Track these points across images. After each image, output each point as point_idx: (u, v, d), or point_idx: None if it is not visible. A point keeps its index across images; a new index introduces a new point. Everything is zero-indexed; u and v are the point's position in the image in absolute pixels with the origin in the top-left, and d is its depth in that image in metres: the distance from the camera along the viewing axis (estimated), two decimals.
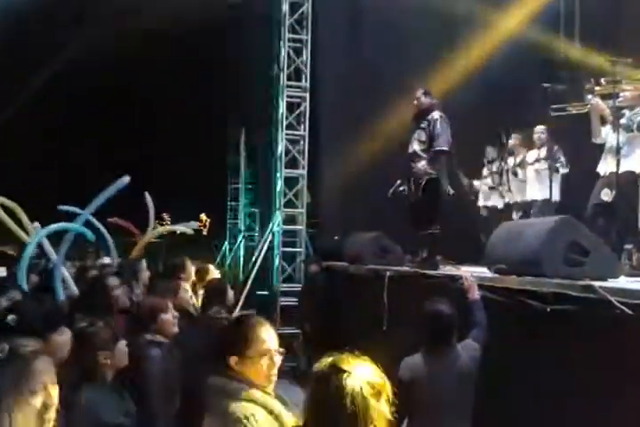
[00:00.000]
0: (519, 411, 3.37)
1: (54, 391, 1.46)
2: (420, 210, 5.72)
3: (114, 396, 2.46)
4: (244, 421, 1.76)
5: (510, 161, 7.09)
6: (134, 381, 2.67)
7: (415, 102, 5.67)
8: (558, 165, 6.21)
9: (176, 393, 3.00)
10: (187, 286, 4.13)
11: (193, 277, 4.80)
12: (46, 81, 10.52)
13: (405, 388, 2.87)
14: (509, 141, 7.02)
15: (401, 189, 7.71)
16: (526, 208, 6.63)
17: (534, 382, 3.24)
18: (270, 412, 1.83)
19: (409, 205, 6.09)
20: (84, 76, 10.74)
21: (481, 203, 7.72)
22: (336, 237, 8.30)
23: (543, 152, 6.27)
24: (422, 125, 5.54)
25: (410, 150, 5.74)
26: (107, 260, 5.49)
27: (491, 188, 7.55)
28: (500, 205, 7.40)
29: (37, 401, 1.40)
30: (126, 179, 5.13)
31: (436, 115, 5.46)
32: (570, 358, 3.03)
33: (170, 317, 3.21)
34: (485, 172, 7.67)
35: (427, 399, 2.94)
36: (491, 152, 7.50)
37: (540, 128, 6.29)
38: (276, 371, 1.96)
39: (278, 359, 1.96)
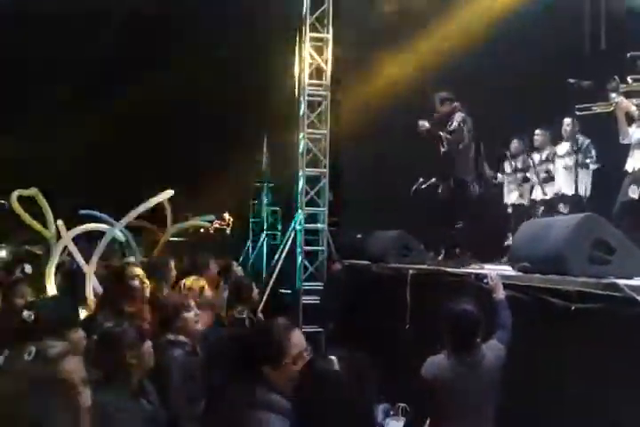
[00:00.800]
0: (543, 410, 3.34)
1: (86, 391, 1.46)
2: (448, 209, 5.86)
3: (134, 399, 2.45)
4: None
5: (536, 157, 6.99)
6: (156, 382, 2.70)
7: (435, 112, 5.81)
8: (588, 160, 6.11)
9: (200, 394, 3.01)
10: (208, 285, 4.15)
11: (216, 277, 4.84)
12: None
13: (429, 386, 2.87)
14: (535, 137, 6.92)
15: (424, 186, 7.73)
16: (555, 203, 6.51)
17: (558, 382, 3.22)
18: (282, 412, 1.84)
19: (438, 205, 6.15)
20: (111, 75, 10.87)
21: (507, 200, 7.63)
22: (359, 236, 8.31)
23: (571, 146, 6.18)
24: (447, 129, 5.67)
25: (441, 152, 5.83)
26: (131, 259, 5.57)
27: (518, 184, 7.46)
28: (525, 202, 7.31)
29: (70, 402, 1.41)
30: (170, 192, 5.21)
31: (458, 119, 5.60)
32: (594, 357, 2.99)
33: (192, 315, 3.21)
34: (508, 167, 7.57)
35: (451, 399, 2.93)
36: (516, 146, 7.39)
37: (567, 120, 6.19)
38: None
39: (307, 358, 1.97)
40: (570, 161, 6.09)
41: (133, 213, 4.95)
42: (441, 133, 5.72)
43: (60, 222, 4.91)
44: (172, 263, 4.51)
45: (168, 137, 12.09)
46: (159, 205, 6.09)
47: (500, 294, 3.42)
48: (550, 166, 6.78)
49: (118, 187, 10.68)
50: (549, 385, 3.28)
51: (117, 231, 4.98)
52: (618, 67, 4.56)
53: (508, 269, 4.20)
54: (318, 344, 7.82)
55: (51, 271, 4.58)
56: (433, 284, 5.04)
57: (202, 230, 11.47)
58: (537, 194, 6.98)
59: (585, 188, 6.09)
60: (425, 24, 8.06)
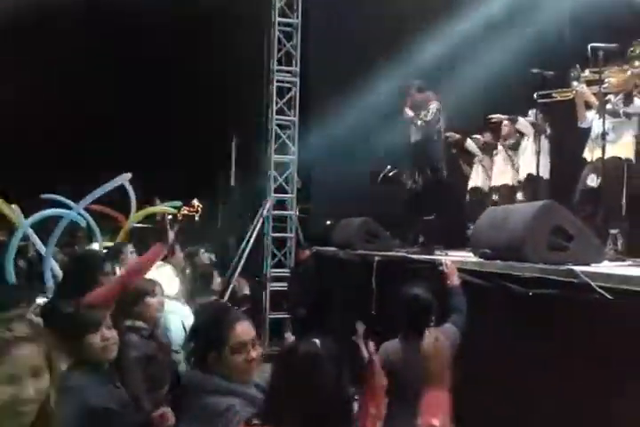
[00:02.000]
0: (502, 394, 3.42)
1: (45, 377, 1.40)
2: (422, 198, 5.86)
3: (104, 381, 2.43)
4: (225, 413, 1.78)
5: (503, 145, 7.05)
6: (114, 367, 2.67)
7: (409, 98, 5.80)
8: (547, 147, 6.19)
9: (162, 380, 2.99)
10: (173, 270, 4.12)
11: (182, 262, 4.81)
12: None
13: (383, 371, 2.90)
14: (502, 127, 6.95)
15: (391, 174, 7.78)
16: (516, 190, 6.57)
17: (515, 365, 3.29)
18: (250, 400, 1.85)
19: (409, 193, 6.19)
20: (83, 68, 10.62)
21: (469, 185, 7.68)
22: (328, 222, 8.34)
23: (530, 136, 6.27)
24: (422, 116, 5.67)
25: (412, 140, 5.86)
26: (95, 245, 5.49)
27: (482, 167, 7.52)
28: (485, 188, 7.37)
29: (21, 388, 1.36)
30: (127, 175, 5.10)
31: (433, 106, 5.61)
32: (550, 341, 3.06)
33: (155, 301, 3.20)
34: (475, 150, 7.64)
35: (404, 383, 2.96)
36: (482, 138, 7.48)
37: (531, 111, 6.28)
38: (254, 364, 1.96)
39: (254, 353, 1.96)
40: (531, 148, 6.18)
41: (90, 197, 4.84)
42: (417, 121, 5.72)
43: (14, 207, 4.77)
44: (130, 248, 4.46)
45: (136, 120, 11.87)
46: (124, 191, 5.98)
47: (455, 280, 3.46)
48: (515, 152, 6.83)
49: (82, 172, 10.46)
50: (506, 368, 3.35)
51: (76, 215, 4.87)
52: (581, 57, 4.62)
53: (470, 256, 4.28)
54: (286, 330, 7.87)
55: (10, 257, 4.48)
56: (398, 270, 5.09)
57: (169, 216, 11.35)
58: (495, 180, 7.02)
59: (544, 172, 6.16)
60: (396, 11, 8.03)
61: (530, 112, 6.29)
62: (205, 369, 1.92)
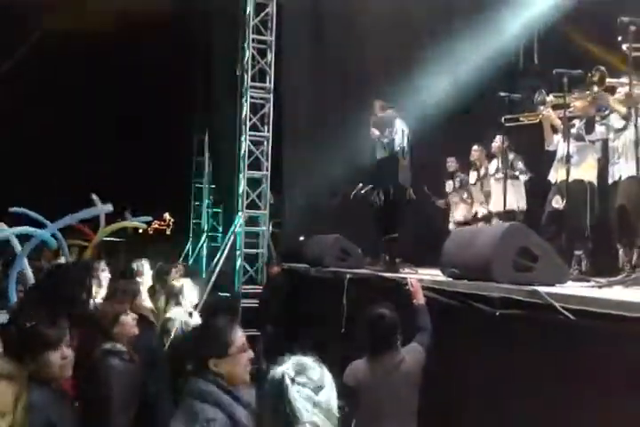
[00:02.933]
0: (469, 412, 3.45)
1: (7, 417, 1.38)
2: (385, 216, 5.96)
3: (60, 398, 2.38)
4: (204, 424, 1.83)
5: (474, 174, 7.18)
6: (91, 392, 2.63)
7: (373, 117, 5.92)
8: (517, 172, 6.34)
9: (132, 402, 2.95)
10: (144, 289, 4.08)
11: (150, 280, 4.76)
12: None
13: (351, 392, 2.91)
14: (472, 153, 7.07)
15: (363, 191, 7.84)
16: (492, 219, 6.63)
17: (480, 383, 3.33)
18: (230, 417, 1.89)
19: (374, 211, 6.26)
20: (44, 74, 10.50)
21: (454, 218, 7.79)
22: (301, 238, 8.35)
23: (500, 161, 6.38)
24: (386, 134, 5.75)
25: (377, 158, 5.93)
26: (62, 260, 5.40)
27: (460, 201, 7.66)
28: (467, 219, 7.52)
29: None
30: (109, 207, 5.08)
31: (398, 125, 5.72)
32: (516, 361, 3.11)
33: (129, 318, 3.18)
34: (449, 187, 7.78)
35: (371, 403, 2.98)
36: (452, 164, 7.63)
37: (497, 137, 6.40)
38: (250, 365, 2.06)
39: (251, 354, 2.07)
40: (500, 176, 6.31)
41: (68, 219, 4.80)
42: (382, 139, 5.82)
43: None
44: (103, 266, 4.41)
45: (107, 134, 11.78)
46: (93, 205, 5.93)
47: (420, 298, 3.51)
48: (486, 182, 6.96)
49: (52, 185, 10.32)
50: (470, 387, 3.39)
51: (49, 235, 4.81)
52: (548, 81, 4.77)
53: (439, 275, 4.33)
54: (256, 348, 7.81)
55: None
56: (369, 288, 5.12)
57: (140, 231, 11.24)
58: (476, 210, 7.16)
59: (517, 201, 6.26)
60: (367, 31, 8.17)
61: (497, 138, 6.45)
62: (208, 375, 1.96)
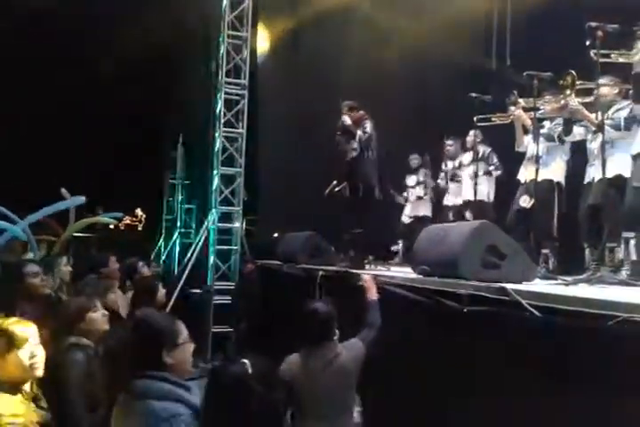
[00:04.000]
0: (431, 407, 3.51)
1: None
2: (352, 212, 6.02)
3: (27, 405, 2.34)
4: (171, 419, 1.82)
5: (449, 165, 7.25)
6: (54, 387, 2.59)
7: (342, 118, 5.97)
8: (491, 168, 6.44)
9: (101, 400, 2.92)
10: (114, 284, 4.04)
11: (117, 274, 4.71)
12: None
13: (285, 386, 2.89)
14: (447, 147, 7.17)
15: (337, 189, 7.88)
16: (462, 210, 6.77)
17: (448, 378, 3.38)
18: (192, 409, 1.89)
19: (345, 208, 6.30)
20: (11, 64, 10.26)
21: (408, 213, 7.90)
22: (275, 235, 8.34)
23: (473, 155, 6.45)
24: (357, 134, 5.82)
25: (348, 157, 5.98)
26: (30, 255, 5.31)
27: (419, 198, 7.77)
28: (428, 213, 7.63)
29: None
30: (81, 199, 5.01)
31: (368, 125, 5.79)
32: (484, 357, 3.17)
33: (99, 315, 3.14)
34: (411, 181, 7.88)
35: (305, 397, 2.96)
36: (415, 161, 7.74)
37: (471, 132, 6.49)
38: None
39: (193, 345, 2.09)
40: (473, 169, 6.41)
41: (39, 214, 4.73)
42: (352, 140, 5.87)
43: None
44: (65, 261, 4.35)
45: (78, 129, 11.58)
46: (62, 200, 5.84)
47: (373, 294, 3.51)
48: (459, 173, 7.09)
49: (21, 180, 10.11)
50: (443, 383, 3.44)
51: (19, 231, 4.73)
52: (520, 83, 4.85)
53: (411, 272, 4.38)
54: (229, 344, 7.79)
55: None
56: (340, 285, 5.15)
57: (111, 227, 11.08)
58: (448, 200, 7.26)
59: (488, 194, 6.42)
60: (341, 29, 8.19)
61: (470, 132, 6.55)
62: (159, 374, 1.95)
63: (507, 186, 5.83)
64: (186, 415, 1.84)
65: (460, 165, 6.99)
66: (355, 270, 5.11)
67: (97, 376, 2.89)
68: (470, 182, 6.60)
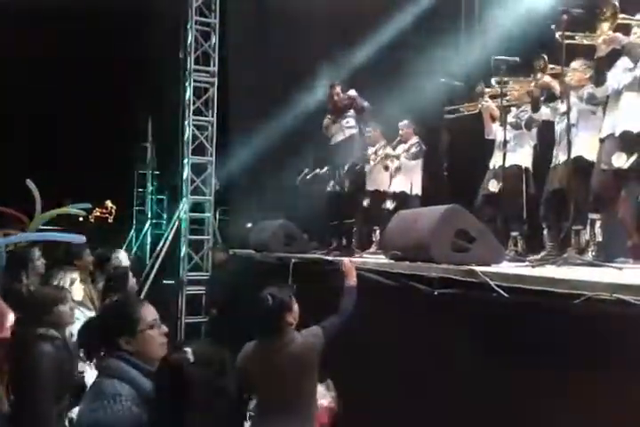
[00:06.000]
0: (407, 389, 3.55)
1: None
2: (343, 201, 5.87)
3: None
4: (110, 399, 1.81)
5: (400, 148, 6.81)
6: (21, 377, 2.56)
7: (335, 98, 5.77)
8: (408, 155, 6.32)
9: (67, 391, 2.89)
10: (79, 275, 3.99)
11: (90, 266, 4.66)
12: None
13: (243, 374, 2.86)
14: (400, 131, 6.96)
15: (308, 177, 7.87)
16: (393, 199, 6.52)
17: (422, 359, 3.43)
18: (138, 391, 1.88)
19: (330, 196, 6.23)
20: None
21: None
22: (249, 225, 8.31)
23: (404, 146, 6.43)
24: (347, 115, 5.67)
25: (334, 142, 5.86)
26: None
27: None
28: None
29: None
30: (81, 238, 4.92)
31: (358, 106, 5.58)
32: (454, 338, 3.22)
33: (67, 308, 3.12)
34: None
35: (260, 384, 2.93)
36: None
37: (403, 122, 6.42)
38: (166, 340, 2.04)
39: (165, 330, 2.04)
40: (400, 160, 6.39)
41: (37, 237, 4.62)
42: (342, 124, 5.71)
43: None
44: (37, 253, 4.28)
45: (46, 119, 11.32)
46: (28, 190, 5.72)
47: (351, 280, 3.43)
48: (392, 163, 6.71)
49: None
50: (417, 363, 3.49)
51: None
52: (488, 70, 4.89)
53: (382, 258, 4.42)
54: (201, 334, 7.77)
55: None
56: (314, 272, 5.17)
57: (81, 219, 10.91)
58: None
59: (411, 185, 6.27)
60: (311, 17, 8.12)
61: (404, 122, 6.41)
62: (117, 353, 1.94)
63: (472, 173, 5.85)
64: (131, 397, 1.82)
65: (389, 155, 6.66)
66: (331, 258, 5.11)
67: (65, 368, 2.88)
68: (401, 172, 6.46)
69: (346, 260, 3.61)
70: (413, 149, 6.28)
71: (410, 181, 6.25)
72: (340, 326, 3.19)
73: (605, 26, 3.58)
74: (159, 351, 1.98)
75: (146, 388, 1.85)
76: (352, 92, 5.74)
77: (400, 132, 6.46)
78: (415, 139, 6.36)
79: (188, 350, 1.71)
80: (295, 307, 3.07)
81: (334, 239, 6.12)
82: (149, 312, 2.02)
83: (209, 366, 1.68)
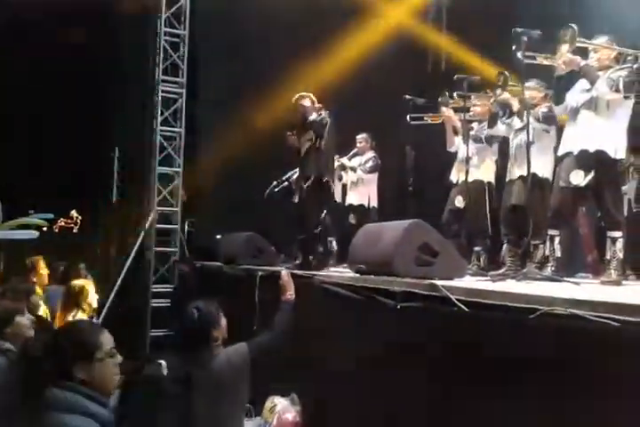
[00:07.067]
0: (369, 401, 3.56)
1: None
2: (309, 211, 5.74)
3: None
4: None
5: (355, 161, 6.90)
6: None
7: (301, 109, 5.66)
8: (364, 172, 6.47)
9: (15, 409, 2.80)
10: (38, 288, 3.91)
11: (45, 279, 4.56)
12: None
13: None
14: (357, 144, 6.81)
15: (277, 189, 7.85)
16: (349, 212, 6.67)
17: (384, 372, 3.45)
18: (103, 424, 1.81)
19: (296, 206, 6.16)
20: None
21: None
22: (218, 237, 8.24)
23: (361, 159, 6.55)
24: (311, 125, 5.54)
25: (302, 153, 5.75)
26: None
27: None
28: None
29: None
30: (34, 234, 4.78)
31: (324, 117, 5.46)
32: (416, 351, 3.25)
33: (25, 319, 3.05)
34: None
35: (183, 402, 2.72)
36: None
37: (361, 135, 6.53)
38: (119, 372, 1.94)
39: (119, 360, 1.94)
40: (357, 173, 6.51)
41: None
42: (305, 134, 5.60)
43: None
44: None
45: (12, 127, 11.11)
46: None
47: (288, 294, 3.30)
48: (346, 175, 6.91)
49: None
50: (379, 376, 3.51)
51: None
52: (451, 86, 5.00)
53: (348, 271, 4.44)
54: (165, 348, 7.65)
55: None
56: (280, 286, 5.14)
57: (44, 229, 10.69)
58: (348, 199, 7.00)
59: (369, 198, 6.44)
60: (281, 23, 8.16)
61: (362, 135, 6.52)
62: (70, 384, 1.82)
63: (434, 186, 5.94)
64: (74, 419, 1.74)
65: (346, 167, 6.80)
66: (298, 271, 5.07)
67: (16, 384, 2.79)
68: (354, 186, 6.66)
69: (283, 272, 3.47)
70: (370, 163, 6.43)
71: (367, 194, 6.37)
72: (269, 344, 3.07)
73: (564, 48, 3.73)
74: (113, 383, 1.90)
75: (108, 419, 1.79)
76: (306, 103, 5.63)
77: (358, 144, 6.54)
78: (371, 153, 6.50)
79: (163, 362, 1.67)
80: (223, 322, 2.96)
81: (300, 253, 6.05)
82: (108, 340, 1.93)
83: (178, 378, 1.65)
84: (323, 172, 5.68)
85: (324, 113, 5.57)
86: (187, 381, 1.84)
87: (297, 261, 5.95)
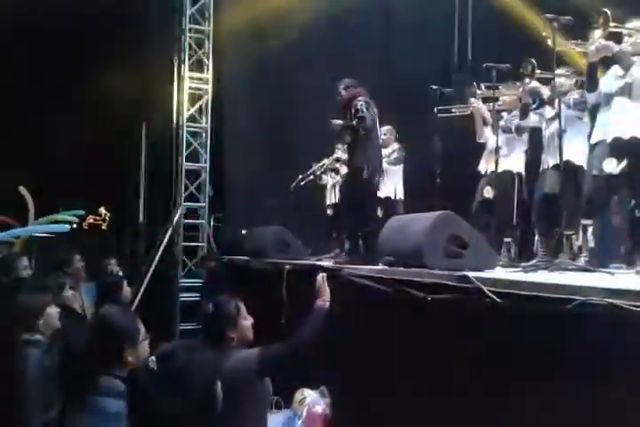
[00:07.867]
0: (402, 395, 3.55)
1: None
2: (357, 206, 5.24)
3: None
4: (120, 415, 1.86)
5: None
6: (7, 383, 2.55)
7: (338, 98, 5.21)
8: (390, 160, 6.29)
9: (54, 399, 2.87)
10: (69, 281, 3.98)
11: (82, 273, 4.65)
12: None
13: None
14: (382, 136, 6.81)
15: (302, 183, 7.85)
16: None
17: (416, 365, 3.43)
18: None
19: (342, 201, 6.08)
20: None
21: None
22: (244, 232, 8.29)
23: (386, 151, 6.31)
24: (348, 116, 5.07)
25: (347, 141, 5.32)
26: None
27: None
28: None
29: None
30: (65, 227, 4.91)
31: (359, 102, 4.96)
32: (446, 342, 3.23)
33: (54, 311, 3.13)
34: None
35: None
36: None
37: (386, 128, 6.31)
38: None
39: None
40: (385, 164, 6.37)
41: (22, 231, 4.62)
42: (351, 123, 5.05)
43: None
44: (25, 263, 4.28)
45: (40, 125, 11.29)
46: (21, 197, 5.71)
47: (323, 299, 3.01)
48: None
49: None
50: (412, 371, 3.49)
51: None
52: (480, 76, 4.93)
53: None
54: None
55: None
56: (308, 279, 5.14)
57: (74, 226, 10.86)
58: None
59: (395, 190, 6.35)
60: (307, 21, 8.13)
61: (386, 128, 6.32)
62: (111, 372, 1.94)
63: (463, 177, 5.83)
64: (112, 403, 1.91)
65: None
66: (326, 264, 5.03)
67: (52, 374, 2.85)
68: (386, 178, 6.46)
69: (319, 276, 3.23)
70: (395, 155, 6.36)
71: (394, 186, 6.31)
72: (285, 353, 2.78)
73: (597, 33, 3.63)
74: (146, 362, 2.02)
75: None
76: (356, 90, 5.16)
77: (382, 136, 6.41)
78: (396, 144, 6.43)
79: (152, 358, 1.74)
80: (243, 323, 2.83)
81: (363, 246, 5.52)
82: (141, 323, 2.05)
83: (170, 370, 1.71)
84: (375, 163, 5.10)
85: (360, 101, 5.01)
86: (196, 377, 1.88)
87: (333, 254, 5.88)
